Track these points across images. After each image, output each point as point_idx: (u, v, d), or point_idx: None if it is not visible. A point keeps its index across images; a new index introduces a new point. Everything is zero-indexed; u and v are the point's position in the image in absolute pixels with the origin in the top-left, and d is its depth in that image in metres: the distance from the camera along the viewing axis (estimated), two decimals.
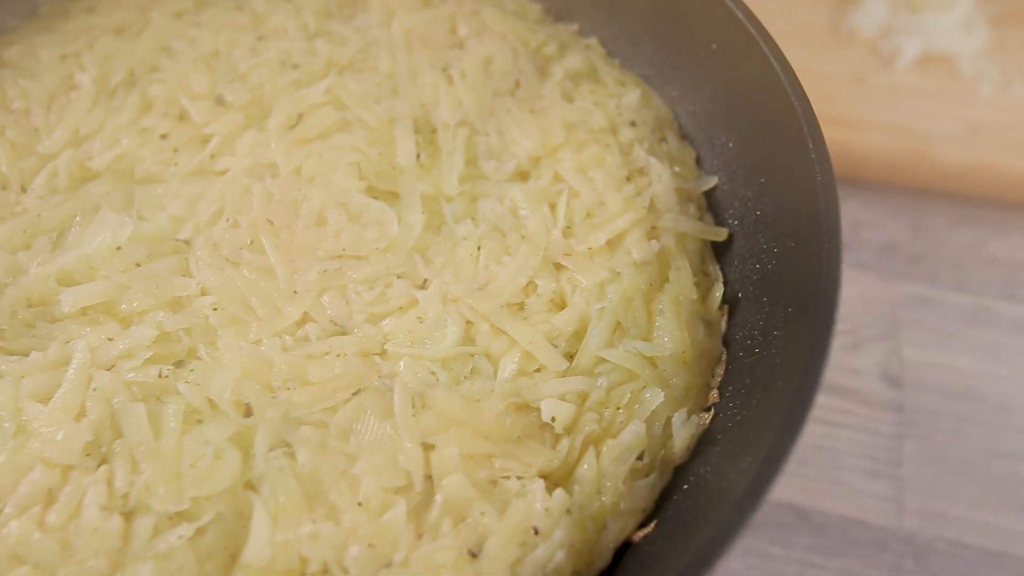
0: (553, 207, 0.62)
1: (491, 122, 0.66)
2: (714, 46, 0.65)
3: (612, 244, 0.60)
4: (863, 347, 0.95)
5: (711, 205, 0.65)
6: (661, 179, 0.63)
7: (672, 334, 0.56)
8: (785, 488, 0.87)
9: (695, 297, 0.58)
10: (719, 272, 0.62)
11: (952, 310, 0.98)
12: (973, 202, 1.06)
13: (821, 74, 1.10)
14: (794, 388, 0.45)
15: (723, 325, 0.59)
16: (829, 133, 1.04)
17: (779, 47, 0.59)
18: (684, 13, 0.66)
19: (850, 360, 0.94)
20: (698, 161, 0.67)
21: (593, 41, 0.73)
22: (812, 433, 0.90)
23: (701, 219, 0.64)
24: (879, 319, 0.97)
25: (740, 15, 0.61)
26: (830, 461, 0.88)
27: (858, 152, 1.04)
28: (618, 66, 0.71)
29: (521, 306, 0.57)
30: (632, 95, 0.68)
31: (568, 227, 0.61)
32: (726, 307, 0.60)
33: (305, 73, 0.68)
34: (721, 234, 0.62)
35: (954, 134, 1.04)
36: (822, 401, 0.91)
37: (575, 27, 0.74)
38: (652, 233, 0.61)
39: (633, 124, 0.66)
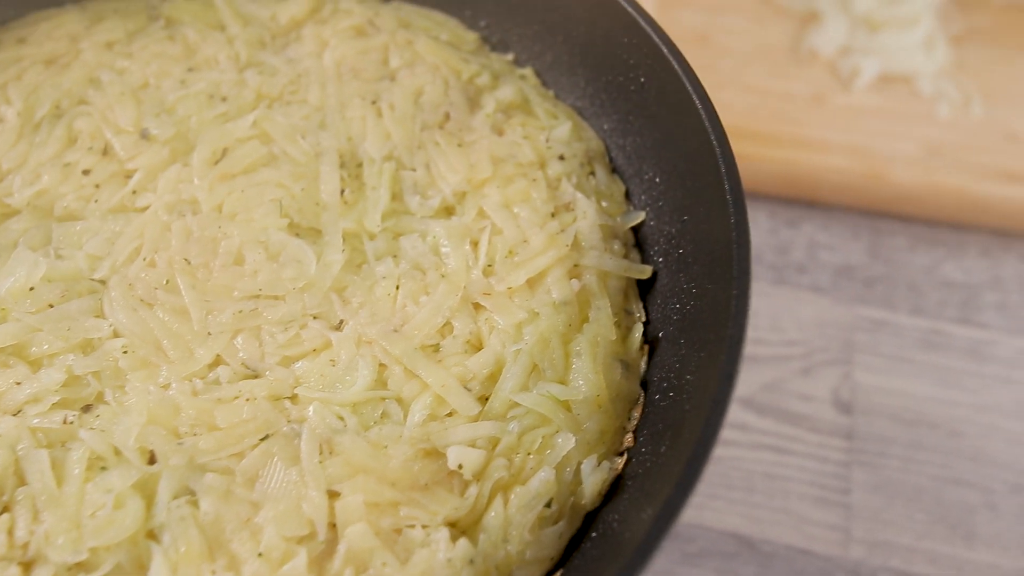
0: (476, 244, 0.61)
1: (418, 156, 0.65)
2: (642, 80, 0.64)
3: (532, 283, 0.59)
4: (816, 372, 0.94)
5: (639, 241, 0.65)
6: (586, 215, 0.62)
7: (587, 377, 0.55)
8: (732, 517, 0.86)
9: (614, 338, 0.58)
10: (642, 311, 0.61)
11: (907, 334, 0.97)
12: (931, 224, 1.05)
13: (781, 94, 1.10)
14: (694, 440, 0.45)
15: (643, 366, 0.59)
16: (788, 155, 1.04)
17: (703, 85, 0.58)
18: (614, 46, 0.65)
19: (802, 386, 0.93)
20: (627, 195, 0.66)
21: (528, 71, 0.72)
22: (761, 460, 0.89)
23: (627, 256, 0.63)
24: (833, 343, 0.96)
25: (665, 50, 0.61)
26: (779, 489, 0.88)
27: (816, 173, 1.03)
28: (552, 97, 0.71)
29: (436, 348, 0.57)
30: (563, 128, 0.67)
31: (489, 265, 0.60)
32: (647, 347, 0.60)
33: (234, 106, 0.67)
34: (645, 272, 0.61)
35: (912, 155, 1.04)
36: (773, 428, 0.91)
37: (511, 57, 0.74)
38: (575, 271, 0.60)
39: (562, 158, 0.66)
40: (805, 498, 0.87)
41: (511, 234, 0.61)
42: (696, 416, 0.47)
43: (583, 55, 0.69)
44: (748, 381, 0.93)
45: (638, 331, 0.59)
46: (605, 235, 0.62)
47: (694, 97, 0.58)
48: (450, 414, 0.54)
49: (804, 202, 1.07)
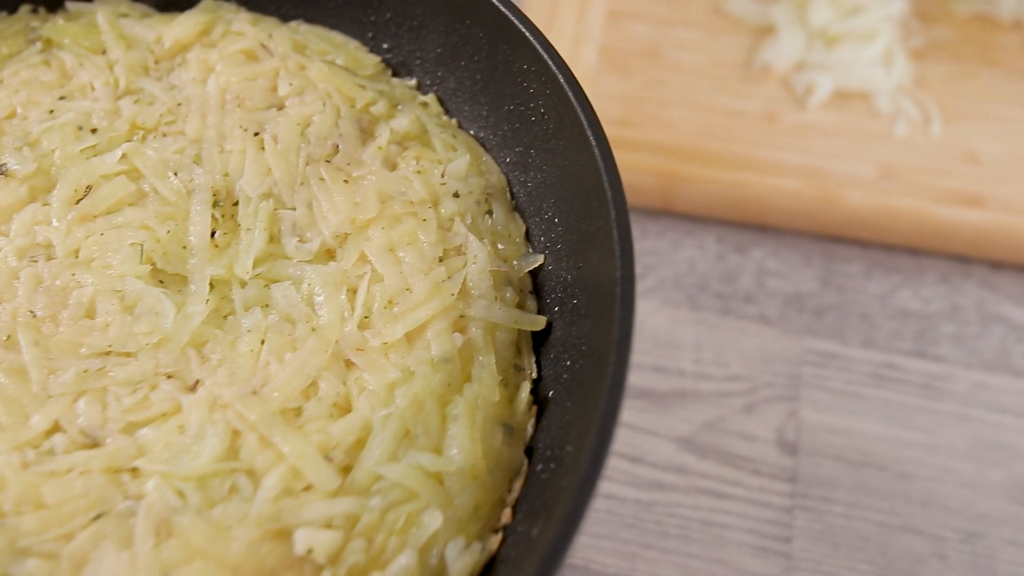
0: (354, 293, 0.56)
1: (300, 193, 0.60)
2: (542, 111, 0.59)
3: (411, 337, 0.54)
4: (759, 410, 0.89)
5: (537, 286, 0.59)
6: (477, 260, 0.57)
7: (462, 445, 0.50)
8: (666, 568, 0.81)
9: (497, 399, 0.53)
10: (534, 366, 0.56)
11: (857, 368, 0.92)
12: (888, 248, 1.00)
13: (732, 112, 1.04)
14: (553, 532, 0.39)
15: (529, 429, 0.54)
16: (737, 176, 0.98)
17: (599, 121, 0.53)
18: (514, 72, 0.60)
19: (746, 424, 0.88)
20: (528, 236, 0.61)
21: (430, 98, 0.67)
22: (700, 507, 0.84)
23: (521, 304, 0.58)
24: (779, 378, 0.91)
25: (561, 79, 0.55)
26: (716, 537, 0.82)
27: (766, 196, 0.98)
28: (454, 127, 0.66)
29: (298, 412, 0.51)
30: (460, 161, 0.62)
31: (366, 317, 0.55)
32: (535, 408, 0.55)
33: (104, 138, 0.62)
34: (538, 323, 0.56)
35: (867, 177, 0.99)
36: (713, 471, 0.86)
37: (413, 82, 0.68)
38: (460, 323, 0.55)
39: (457, 195, 0.60)
40: (743, 547, 0.82)
41: (392, 281, 0.56)
42: (564, 499, 0.42)
43: (485, 82, 0.64)
44: (689, 420, 0.88)
45: (526, 390, 0.54)
46: (497, 282, 0.57)
47: (588, 133, 0.53)
48: (307, 488, 0.49)
49: (755, 226, 1.02)
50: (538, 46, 0.57)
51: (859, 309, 0.96)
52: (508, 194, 0.63)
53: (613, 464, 0.86)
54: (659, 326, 0.94)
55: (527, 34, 0.58)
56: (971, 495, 0.84)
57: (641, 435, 0.87)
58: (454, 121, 0.66)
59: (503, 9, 0.59)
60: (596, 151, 0.52)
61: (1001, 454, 0.86)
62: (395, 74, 0.69)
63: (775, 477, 0.85)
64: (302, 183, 0.60)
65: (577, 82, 0.55)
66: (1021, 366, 0.91)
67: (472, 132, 0.66)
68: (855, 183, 0.98)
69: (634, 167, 0.99)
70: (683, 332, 0.94)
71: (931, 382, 0.91)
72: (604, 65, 1.08)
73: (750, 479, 0.85)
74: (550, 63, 0.56)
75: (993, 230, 0.96)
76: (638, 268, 0.98)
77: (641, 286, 0.97)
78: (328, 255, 0.58)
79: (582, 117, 0.53)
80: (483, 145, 0.65)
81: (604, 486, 0.84)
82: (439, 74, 0.67)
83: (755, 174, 0.99)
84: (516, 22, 0.58)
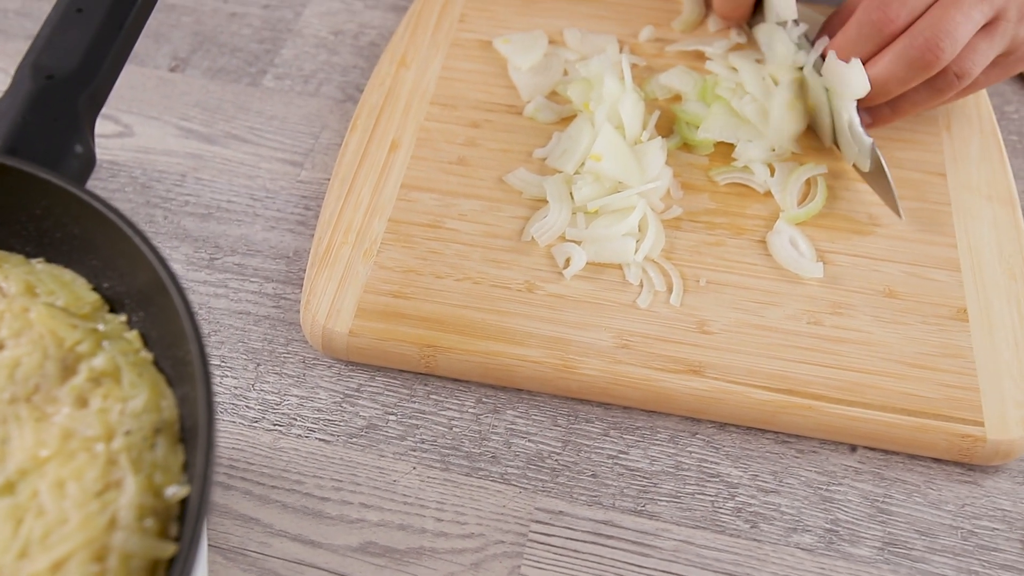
0: (20, 525, 0.68)
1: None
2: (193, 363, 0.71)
3: (57, 567, 0.66)
4: (486, 566, 1.00)
5: (184, 513, 0.71)
6: (127, 493, 0.69)
7: None
8: None
9: None
10: None
11: (580, 525, 1.03)
12: (627, 410, 1.12)
13: (496, 283, 1.17)
14: None
15: None
16: (490, 347, 1.11)
17: (211, 377, 0.65)
18: (178, 327, 0.73)
19: None
20: (187, 466, 0.73)
21: (133, 335, 0.79)
22: None
23: (163, 531, 0.69)
24: (509, 535, 1.02)
25: (195, 352, 0.68)
26: None
27: (514, 366, 1.11)
28: (147, 363, 0.78)
29: None
30: (139, 400, 0.74)
31: (25, 548, 0.67)
32: None
33: None
34: (166, 551, 0.68)
35: (604, 347, 1.11)
36: None
37: (124, 318, 0.81)
38: (102, 552, 0.67)
39: (128, 432, 0.73)
40: None
41: (53, 515, 0.68)
42: None
43: (167, 325, 0.76)
44: None
45: None
46: (142, 513, 0.69)
47: (201, 398, 0.65)
48: None
49: (511, 388, 1.14)
50: (180, 310, 0.70)
51: (592, 468, 1.07)
52: (178, 426, 0.75)
53: None
54: (411, 486, 1.06)
55: (172, 293, 0.70)
56: None
57: None
58: (151, 356, 0.79)
59: (162, 274, 0.72)
60: (203, 416, 0.64)
61: None
62: (112, 310, 0.82)
63: None
64: (3, 422, 0.73)
65: (203, 349, 0.68)
66: (725, 522, 1.03)
67: (163, 367, 0.78)
68: (593, 352, 1.11)
69: (400, 338, 1.12)
70: (431, 491, 1.06)
71: (643, 539, 1.02)
72: (390, 237, 1.21)
73: None
74: (186, 326, 0.69)
75: (713, 398, 1.08)
76: (402, 428, 1.11)
77: (400, 447, 1.09)
78: (10, 489, 0.70)
79: (199, 369, 0.66)
80: (169, 381, 0.77)
81: None
82: (142, 313, 0.80)
83: (506, 344, 1.11)
84: (166, 282, 0.71)
